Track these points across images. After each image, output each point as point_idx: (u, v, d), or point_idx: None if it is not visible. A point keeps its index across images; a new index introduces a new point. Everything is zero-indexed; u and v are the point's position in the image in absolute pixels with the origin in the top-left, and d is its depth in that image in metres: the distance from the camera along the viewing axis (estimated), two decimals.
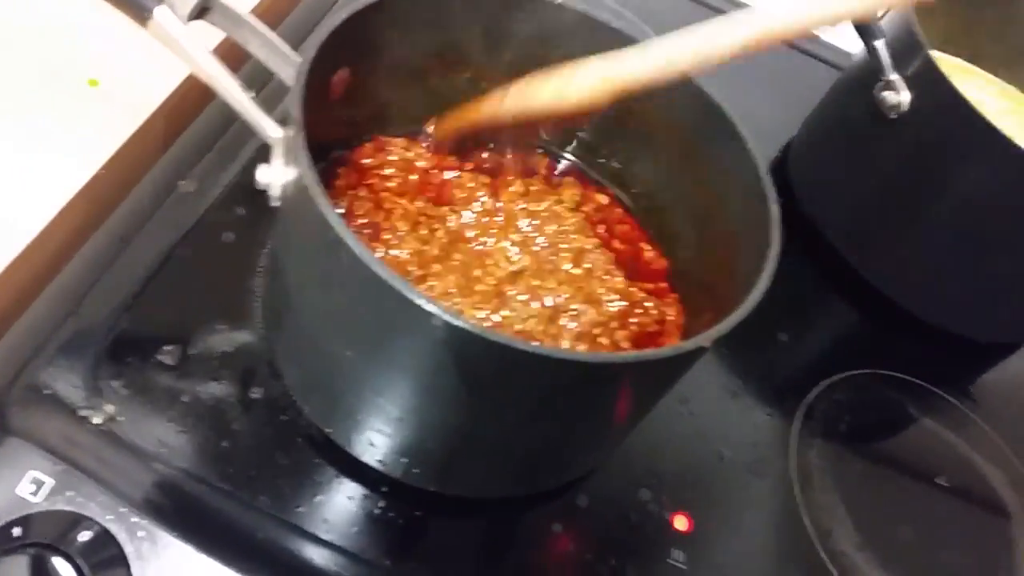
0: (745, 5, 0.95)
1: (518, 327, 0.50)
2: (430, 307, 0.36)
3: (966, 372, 0.74)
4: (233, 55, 0.50)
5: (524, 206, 0.56)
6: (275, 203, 0.43)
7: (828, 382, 0.67)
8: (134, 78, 0.59)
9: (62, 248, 0.53)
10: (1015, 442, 0.69)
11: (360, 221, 0.52)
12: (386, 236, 0.52)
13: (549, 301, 0.52)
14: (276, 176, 0.42)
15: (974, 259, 0.67)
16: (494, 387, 0.41)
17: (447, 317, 0.36)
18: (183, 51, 0.43)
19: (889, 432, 0.68)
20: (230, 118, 0.56)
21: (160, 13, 0.43)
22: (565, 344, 0.50)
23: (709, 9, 0.96)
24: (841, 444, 0.64)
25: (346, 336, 0.43)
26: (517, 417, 0.44)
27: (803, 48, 0.96)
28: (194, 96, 0.60)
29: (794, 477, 0.60)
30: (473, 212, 0.55)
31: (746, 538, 0.57)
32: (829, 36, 0.95)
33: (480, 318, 0.50)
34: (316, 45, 0.44)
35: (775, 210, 0.48)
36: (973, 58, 0.80)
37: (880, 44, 0.64)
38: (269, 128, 0.43)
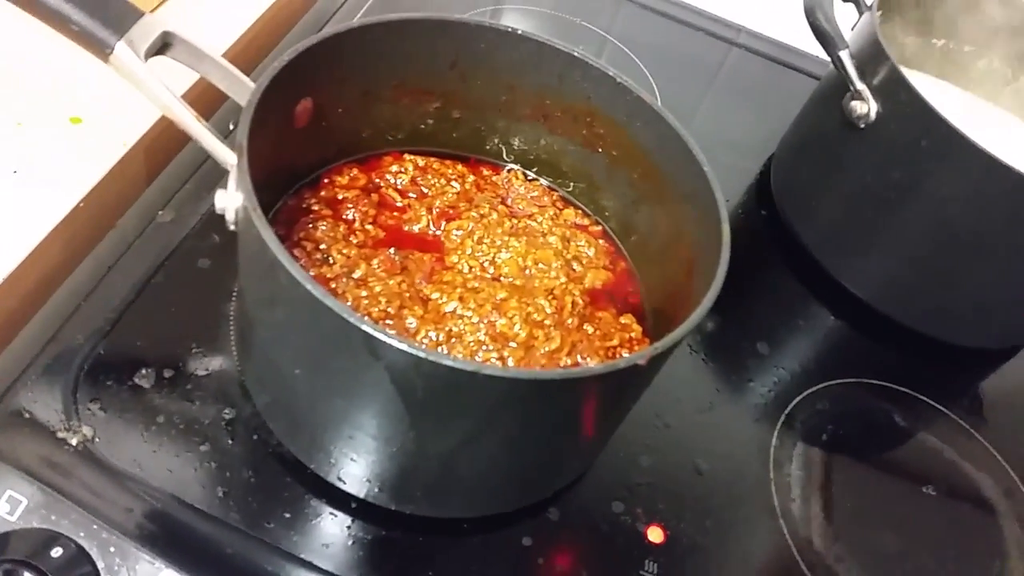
0: (729, 21, 0.97)
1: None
2: (361, 324, 0.37)
3: (953, 380, 0.73)
4: (209, 96, 0.52)
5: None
6: (231, 227, 0.45)
7: (809, 391, 0.66)
8: (115, 116, 0.61)
9: (44, 278, 0.55)
10: (1007, 450, 0.68)
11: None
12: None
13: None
14: (230, 201, 0.44)
15: (951, 264, 0.67)
16: (429, 404, 0.42)
17: (377, 334, 0.37)
18: (142, 85, 0.45)
19: (873, 441, 0.67)
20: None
21: (120, 49, 0.45)
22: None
23: (689, 27, 0.98)
24: (823, 454, 0.64)
25: (293, 354, 0.45)
26: (459, 436, 0.44)
27: (784, 61, 0.96)
28: (173, 132, 0.63)
29: (773, 487, 0.60)
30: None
31: (724, 549, 0.56)
32: (809, 47, 0.95)
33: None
34: (270, 75, 0.46)
35: (726, 231, 0.47)
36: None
37: (845, 55, 0.64)
38: (225, 154, 0.45)
